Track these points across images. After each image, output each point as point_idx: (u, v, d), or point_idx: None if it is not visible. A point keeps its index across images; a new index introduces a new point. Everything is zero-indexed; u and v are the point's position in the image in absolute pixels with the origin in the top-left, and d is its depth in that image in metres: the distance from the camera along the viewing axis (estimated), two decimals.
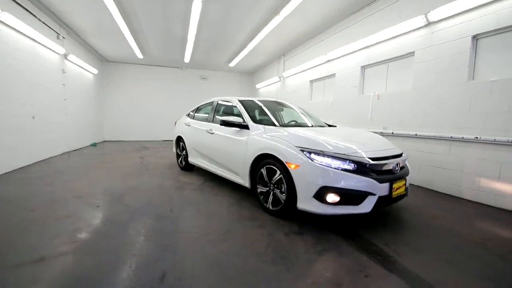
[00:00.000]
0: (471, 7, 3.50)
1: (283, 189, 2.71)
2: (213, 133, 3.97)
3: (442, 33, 3.93)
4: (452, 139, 3.78)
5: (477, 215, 3.06)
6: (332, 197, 2.36)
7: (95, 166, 5.40)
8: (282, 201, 2.69)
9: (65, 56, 6.73)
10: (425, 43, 4.20)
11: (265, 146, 2.88)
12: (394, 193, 2.54)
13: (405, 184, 2.69)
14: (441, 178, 3.97)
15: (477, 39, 3.56)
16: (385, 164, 2.57)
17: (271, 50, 8.67)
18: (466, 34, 3.62)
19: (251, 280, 1.70)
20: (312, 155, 2.47)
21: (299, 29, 6.73)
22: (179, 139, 5.25)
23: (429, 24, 4.09)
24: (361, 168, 2.44)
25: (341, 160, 2.43)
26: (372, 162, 2.48)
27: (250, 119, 3.40)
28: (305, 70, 7.78)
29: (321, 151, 2.49)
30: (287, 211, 2.68)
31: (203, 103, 4.98)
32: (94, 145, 9.07)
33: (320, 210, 2.39)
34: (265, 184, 2.94)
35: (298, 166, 2.49)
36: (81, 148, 8.09)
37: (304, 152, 2.52)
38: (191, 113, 5.17)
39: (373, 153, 2.60)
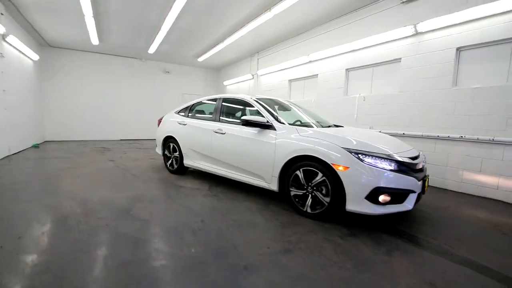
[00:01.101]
0: (457, 22, 4.00)
1: (323, 191, 2.66)
2: (224, 133, 3.66)
3: (429, 43, 4.40)
4: (438, 138, 4.29)
5: (469, 204, 3.53)
6: (383, 197, 2.41)
7: (60, 174, 4.44)
8: (326, 204, 2.64)
9: (3, 37, 5.35)
10: (412, 51, 4.64)
11: (303, 147, 2.77)
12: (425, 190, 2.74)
13: (428, 181, 2.93)
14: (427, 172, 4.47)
15: (460, 51, 4.09)
16: (418, 163, 2.75)
17: (244, 47, 8.48)
18: (451, 46, 4.13)
19: None
20: (361, 156, 2.48)
21: (280, 28, 6.72)
22: (168, 139, 4.72)
23: (416, 34, 4.53)
24: (401, 168, 2.55)
25: (386, 161, 2.49)
26: (412, 161, 2.62)
27: (274, 119, 3.24)
28: (284, 69, 7.84)
29: (369, 152, 2.51)
30: (330, 213, 2.64)
31: (200, 100, 4.56)
32: (36, 146, 7.51)
33: (372, 210, 2.42)
34: (300, 187, 2.84)
35: (348, 168, 2.47)
36: (22, 151, 6.61)
37: (352, 154, 2.51)
38: (183, 110, 4.68)
39: (405, 153, 2.75)
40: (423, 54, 4.48)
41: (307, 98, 7.07)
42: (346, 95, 5.97)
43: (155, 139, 5.33)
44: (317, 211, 2.72)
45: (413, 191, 2.52)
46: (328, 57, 6.29)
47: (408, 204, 2.52)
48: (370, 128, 5.33)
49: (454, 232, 2.58)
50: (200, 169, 4.16)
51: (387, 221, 2.76)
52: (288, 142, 2.95)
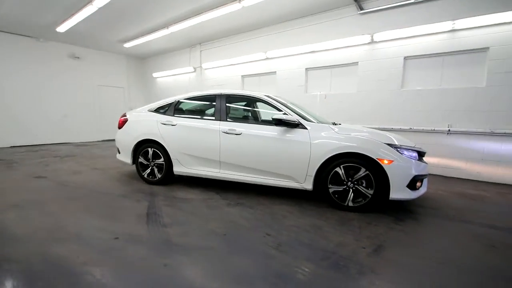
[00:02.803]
0: (405, 36, 4.97)
1: (364, 185, 2.86)
2: (239, 134, 3.30)
3: (382, 51, 5.29)
4: (392, 130, 5.25)
5: (440, 182, 4.51)
6: (418, 184, 2.82)
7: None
8: (369, 196, 2.84)
9: None
10: (368, 57, 5.46)
11: (346, 145, 2.86)
12: None
13: None
14: None
15: (406, 59, 5.11)
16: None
17: (184, 36, 7.73)
18: (400, 54, 5.10)
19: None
20: (400, 150, 2.80)
21: (232, 22, 6.48)
22: (143, 144, 3.84)
23: (372, 42, 5.35)
24: (420, 157, 3.04)
25: (414, 152, 2.92)
26: (422, 150, 3.16)
27: (300, 117, 3.18)
28: (236, 64, 7.64)
29: (405, 146, 2.86)
30: (373, 204, 2.86)
31: (188, 96, 3.89)
32: None
33: (411, 196, 2.79)
34: (339, 183, 2.94)
35: (392, 161, 2.74)
36: None
37: (394, 148, 2.80)
38: (164, 108, 3.89)
39: (412, 144, 3.29)
40: (377, 60, 5.35)
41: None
42: (306, 93, 6.42)
43: (95, 140, 4.21)
44: (359, 204, 2.89)
45: (426, 175, 3.06)
46: (287, 56, 6.56)
47: (425, 187, 3.04)
48: None
49: (439, 203, 3.30)
50: (198, 175, 3.61)
51: (391, 204, 3.24)
52: (326, 140, 2.97)
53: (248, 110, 3.87)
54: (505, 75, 4.17)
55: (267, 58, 6.91)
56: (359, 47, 5.54)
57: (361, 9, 5.34)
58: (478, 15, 4.22)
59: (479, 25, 4.28)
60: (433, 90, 4.85)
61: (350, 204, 2.92)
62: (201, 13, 5.89)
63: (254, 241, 2.22)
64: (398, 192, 2.76)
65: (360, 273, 1.79)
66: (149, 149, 3.81)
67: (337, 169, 2.91)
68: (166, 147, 3.68)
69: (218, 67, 8.09)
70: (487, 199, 3.53)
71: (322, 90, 6.20)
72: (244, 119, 3.64)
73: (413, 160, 2.80)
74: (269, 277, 1.72)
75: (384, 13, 5.14)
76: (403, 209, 3.06)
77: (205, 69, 8.47)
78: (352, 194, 2.90)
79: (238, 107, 3.74)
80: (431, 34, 4.73)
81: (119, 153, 4.20)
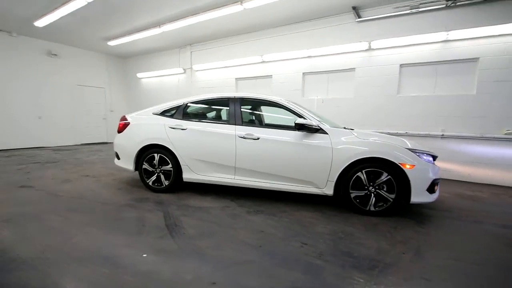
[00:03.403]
0: (401, 45, 5.20)
1: (385, 189, 2.90)
2: (257, 139, 3.19)
3: (379, 58, 5.48)
4: (389, 134, 5.44)
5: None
6: (436, 187, 2.92)
7: None
8: (390, 200, 2.88)
9: None
10: (365, 63, 5.63)
11: (369, 150, 2.87)
12: None
13: None
14: None
15: (402, 67, 5.34)
16: None
17: (173, 36, 7.45)
18: (396, 62, 5.32)
19: None
20: (420, 155, 2.88)
21: (227, 24, 6.37)
22: (148, 149, 3.59)
23: (369, 49, 5.53)
24: (434, 161, 3.15)
25: (429, 156, 3.01)
26: (434, 155, 3.28)
27: (322, 122, 3.16)
28: (229, 66, 7.51)
29: (423, 151, 2.95)
30: (394, 208, 2.91)
31: (197, 99, 3.71)
32: None
33: (430, 199, 2.87)
34: (360, 188, 2.95)
35: (414, 166, 2.80)
36: None
37: (415, 153, 2.86)
38: (172, 111, 3.67)
39: (424, 148, 3.41)
40: (374, 66, 5.54)
41: None
42: (303, 97, 6.47)
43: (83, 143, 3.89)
44: (381, 208, 2.92)
45: (440, 179, 3.18)
46: (284, 60, 6.57)
47: (438, 189, 3.15)
48: None
49: (446, 205, 3.45)
50: (210, 182, 3.45)
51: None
52: (349, 145, 2.97)
53: (263, 114, 3.78)
54: (494, 83, 4.51)
55: (263, 62, 6.87)
56: (357, 54, 5.69)
57: (359, 17, 5.51)
58: (470, 28, 4.53)
59: (470, 37, 4.59)
60: (427, 97, 5.11)
61: (372, 208, 2.94)
62: (199, 13, 5.71)
63: (293, 251, 2.13)
64: (419, 196, 2.82)
65: (412, 280, 1.77)
66: (155, 154, 3.56)
67: (359, 174, 2.92)
68: (175, 153, 3.46)
69: (211, 69, 7.89)
70: (486, 199, 3.75)
71: (319, 95, 6.28)
72: (260, 123, 3.54)
73: (431, 164, 2.89)
74: None
75: (381, 21, 5.34)
76: (417, 212, 3.14)
77: (196, 70, 8.23)
78: (374, 198, 2.93)
79: (253, 111, 3.64)
80: (425, 44, 4.99)
81: (119, 159, 3.88)
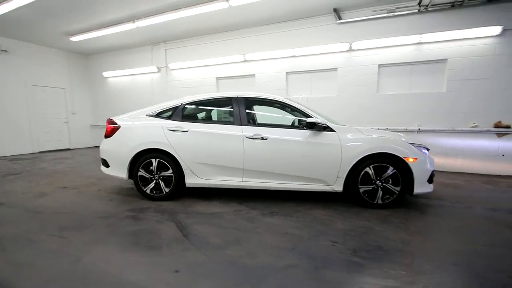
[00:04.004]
0: (378, 46, 5.54)
1: (390, 182, 3.07)
2: (266, 139, 3.13)
3: (359, 59, 5.77)
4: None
5: None
6: (433, 177, 3.16)
7: None
8: (396, 192, 3.05)
9: None
10: (346, 63, 5.89)
11: (377, 145, 3.00)
12: None
13: None
14: None
15: (380, 67, 5.69)
16: None
17: (146, 33, 6.98)
18: (375, 62, 5.66)
19: None
20: (420, 148, 3.09)
21: (211, 20, 6.18)
22: (144, 154, 3.30)
23: (350, 50, 5.79)
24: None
25: (425, 149, 3.25)
26: (428, 147, 3.54)
27: (326, 120, 3.21)
28: (209, 65, 7.28)
29: (422, 144, 3.17)
30: (399, 200, 3.08)
31: (196, 99, 3.50)
32: None
33: (430, 189, 3.10)
34: (368, 183, 3.08)
35: (416, 159, 3.00)
36: None
37: (416, 147, 3.07)
38: (168, 112, 3.42)
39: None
40: (355, 66, 5.82)
41: None
42: (287, 96, 6.54)
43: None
44: (388, 201, 3.08)
45: None
46: (267, 59, 6.56)
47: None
48: None
49: (436, 194, 3.79)
50: (216, 186, 3.30)
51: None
52: (355, 142, 3.07)
53: (268, 114, 3.72)
54: (461, 82, 5.04)
55: (245, 61, 6.78)
56: (338, 54, 5.92)
57: (340, 18, 5.73)
58: (439, 31, 5.00)
59: (440, 40, 5.08)
60: (404, 95, 5.52)
61: (379, 201, 3.08)
62: (180, 8, 5.42)
63: (327, 251, 2.13)
64: (421, 187, 3.03)
65: (446, 267, 1.89)
66: (153, 160, 3.29)
67: (367, 169, 3.04)
68: (176, 157, 3.23)
69: (189, 68, 7.56)
70: (464, 186, 4.19)
71: (303, 94, 6.40)
72: (266, 123, 3.48)
73: (429, 157, 3.12)
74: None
75: (360, 24, 5.62)
76: (415, 202, 3.37)
77: (173, 69, 7.81)
78: (381, 192, 3.07)
79: (258, 111, 3.55)
80: (401, 45, 5.38)
81: (107, 166, 3.50)
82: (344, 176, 3.07)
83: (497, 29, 4.61)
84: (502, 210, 3.08)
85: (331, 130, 3.13)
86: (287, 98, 3.42)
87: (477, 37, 4.82)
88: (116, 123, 3.45)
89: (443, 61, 5.18)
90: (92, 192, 3.75)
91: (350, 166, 3.04)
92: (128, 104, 8.71)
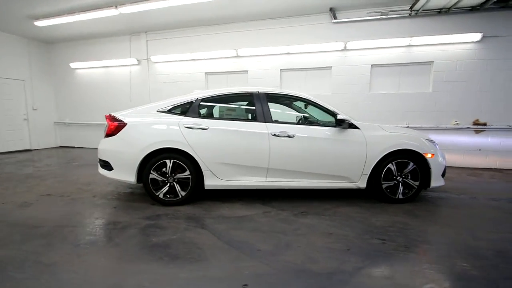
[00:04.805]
0: (372, 47, 5.75)
1: (410, 177, 3.18)
2: (292, 136, 3.01)
3: (353, 58, 5.93)
4: None
5: None
6: (445, 172, 3.35)
7: None
8: (415, 187, 3.17)
9: None
10: (341, 62, 6.01)
11: (400, 142, 3.07)
12: None
13: None
14: None
15: (373, 67, 5.92)
16: None
17: (124, 21, 6.37)
18: (367, 62, 5.87)
19: None
20: (435, 144, 3.25)
21: (201, 12, 5.85)
22: (157, 154, 2.96)
23: (345, 49, 5.92)
24: None
25: (438, 145, 3.44)
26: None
27: (349, 117, 3.20)
28: (197, 59, 6.89)
29: (433, 140, 3.33)
30: (416, 194, 3.21)
31: (217, 93, 3.25)
32: None
33: (443, 183, 3.28)
34: (390, 178, 3.15)
35: (434, 154, 3.14)
36: None
37: (432, 143, 3.21)
38: (186, 108, 3.10)
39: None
40: (349, 65, 5.98)
41: None
42: None
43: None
44: (407, 196, 3.18)
45: None
46: (261, 55, 6.41)
47: None
48: None
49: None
50: (237, 187, 3.10)
51: None
52: (379, 139, 3.11)
53: (287, 110, 3.59)
54: (445, 83, 5.47)
55: (238, 56, 6.55)
56: (333, 53, 6.02)
57: (335, 18, 5.82)
58: (428, 35, 5.35)
59: (428, 43, 5.44)
60: (394, 94, 5.83)
61: (400, 196, 3.17)
62: None
63: (382, 249, 2.10)
64: (436, 181, 3.19)
65: (501, 253, 1.99)
66: (168, 160, 2.96)
67: (390, 165, 3.11)
68: (195, 157, 2.95)
69: (174, 61, 7.07)
70: (456, 179, 4.54)
71: (297, 91, 6.38)
72: (289, 120, 3.36)
73: (442, 152, 3.30)
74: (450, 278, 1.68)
75: (355, 24, 5.77)
76: (422, 195, 3.53)
77: (156, 62, 7.23)
78: (402, 187, 3.17)
79: (279, 107, 3.41)
80: (393, 47, 5.65)
81: (110, 169, 3.06)
82: (369, 173, 3.10)
83: (477, 36, 5.08)
84: (502, 199, 3.39)
85: (355, 127, 3.14)
86: (309, 95, 3.34)
87: (460, 42, 5.26)
88: (121, 120, 3.03)
89: (430, 63, 5.56)
90: (87, 200, 3.27)
91: (375, 163, 3.08)
92: (100, 99, 7.92)
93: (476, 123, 5.38)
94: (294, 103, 3.67)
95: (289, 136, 3.03)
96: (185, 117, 3.07)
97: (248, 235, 2.32)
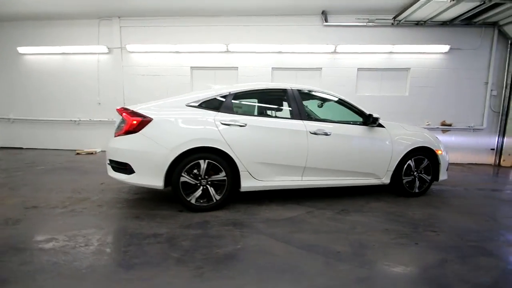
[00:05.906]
0: (359, 52, 6.13)
1: (423, 172, 3.48)
2: (329, 135, 2.99)
3: (341, 61, 6.24)
4: None
5: None
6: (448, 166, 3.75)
7: None
8: (428, 181, 3.47)
9: None
10: (330, 64, 6.27)
11: (418, 141, 3.33)
12: None
13: None
14: None
15: (359, 70, 6.31)
16: None
17: (88, 1, 5.64)
18: (354, 66, 6.24)
19: None
20: (441, 142, 3.62)
21: (188, 1, 5.48)
22: (191, 154, 2.62)
23: (334, 52, 6.18)
24: None
25: None
26: None
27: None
28: (182, 52, 6.39)
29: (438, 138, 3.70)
30: (428, 188, 3.52)
31: (251, 87, 3.12)
32: None
33: (446, 177, 3.67)
34: (409, 174, 3.39)
35: (442, 151, 3.49)
36: None
37: (439, 140, 3.56)
38: (219, 103, 2.80)
39: None
40: (338, 68, 6.27)
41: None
42: None
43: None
44: (422, 189, 3.47)
45: None
46: (252, 52, 6.28)
47: None
48: None
49: None
50: (273, 188, 2.96)
51: None
52: (403, 137, 3.32)
53: (323, 108, 3.58)
54: (419, 88, 6.16)
55: (228, 51, 6.28)
56: (323, 55, 6.24)
57: (326, 21, 6.04)
58: (407, 44, 5.94)
59: (407, 51, 6.04)
60: (376, 96, 6.32)
61: (416, 190, 3.44)
62: None
63: (442, 241, 2.23)
64: (443, 175, 3.56)
65: None
66: (202, 161, 2.64)
67: (410, 161, 3.34)
68: (233, 157, 2.70)
69: (154, 52, 6.42)
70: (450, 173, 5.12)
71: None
72: (322, 118, 3.33)
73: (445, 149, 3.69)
74: None
75: (344, 28, 6.08)
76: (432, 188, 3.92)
77: (131, 52, 6.45)
78: (418, 182, 3.43)
79: (310, 105, 3.34)
80: (377, 53, 6.13)
81: (130, 173, 2.58)
82: (393, 169, 3.28)
83: (446, 47, 5.84)
84: (487, 189, 3.96)
85: (381, 126, 3.29)
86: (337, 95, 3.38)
87: (432, 52, 5.99)
88: (145, 116, 2.59)
89: (407, 69, 6.19)
90: (93, 210, 2.71)
91: (399, 160, 3.27)
92: (57, 91, 6.77)
93: (443, 123, 6.18)
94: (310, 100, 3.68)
95: (326, 134, 3.01)
96: (219, 112, 2.78)
97: (313, 237, 2.21)
